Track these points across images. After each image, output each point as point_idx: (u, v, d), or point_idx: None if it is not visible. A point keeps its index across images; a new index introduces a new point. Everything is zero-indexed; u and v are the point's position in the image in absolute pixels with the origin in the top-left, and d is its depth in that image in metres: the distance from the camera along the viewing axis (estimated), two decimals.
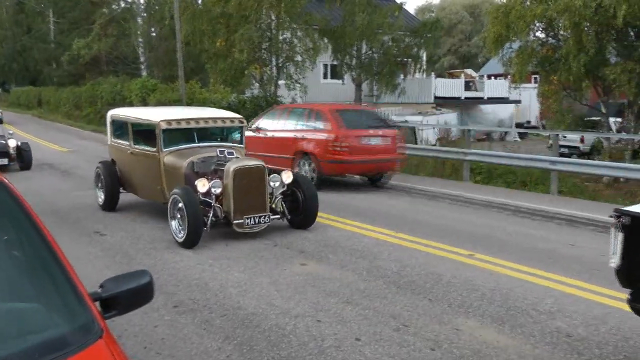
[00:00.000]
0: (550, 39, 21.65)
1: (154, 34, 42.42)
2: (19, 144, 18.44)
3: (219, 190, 9.26)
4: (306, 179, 10.89)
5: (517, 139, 33.70)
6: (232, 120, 11.30)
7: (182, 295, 6.96)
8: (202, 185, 9.16)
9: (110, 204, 11.79)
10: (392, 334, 5.87)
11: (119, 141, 11.91)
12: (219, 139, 11.40)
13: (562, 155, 20.36)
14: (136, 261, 8.31)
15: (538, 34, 21.81)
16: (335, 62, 31.17)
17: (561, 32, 20.84)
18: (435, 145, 24.21)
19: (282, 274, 7.76)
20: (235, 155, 10.01)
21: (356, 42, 28.77)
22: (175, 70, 31.78)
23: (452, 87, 38.44)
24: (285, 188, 10.03)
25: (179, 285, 7.31)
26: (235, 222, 9.24)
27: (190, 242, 8.94)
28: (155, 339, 5.73)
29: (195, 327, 6.03)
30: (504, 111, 39.69)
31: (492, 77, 41.62)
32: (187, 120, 10.69)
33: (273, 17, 27.74)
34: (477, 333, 5.91)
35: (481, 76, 44.72)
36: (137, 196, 11.92)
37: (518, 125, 38.13)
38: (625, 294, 6.80)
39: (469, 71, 49.63)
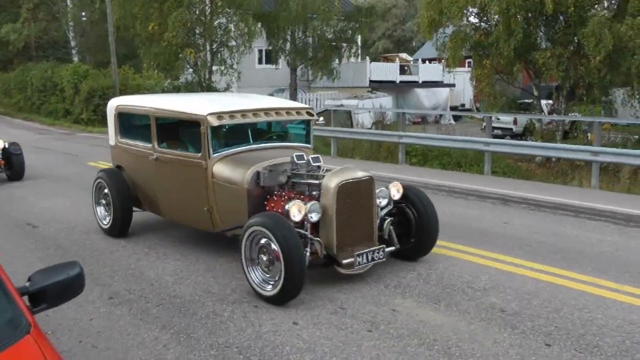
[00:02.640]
0: (482, 24, 22.03)
1: (84, 18, 41.36)
2: (6, 145, 13.98)
3: (317, 217, 6.59)
4: (420, 192, 7.76)
5: (452, 121, 34.19)
6: (298, 111, 8.27)
7: (117, 286, 6.87)
8: (297, 210, 6.45)
9: (122, 228, 8.86)
10: (330, 317, 5.93)
11: (133, 142, 8.90)
12: (275, 137, 8.76)
13: (495, 136, 20.81)
14: (71, 253, 8.15)
15: (471, 19, 22.15)
16: (270, 47, 31.03)
17: (493, 17, 21.21)
18: (370, 128, 24.40)
19: (218, 260, 7.72)
20: (321, 163, 7.40)
21: (290, 26, 28.72)
22: (107, 56, 31.14)
23: (387, 71, 38.71)
24: (391, 206, 7.45)
25: (114, 276, 7.21)
26: (344, 261, 6.49)
27: (285, 299, 6.25)
28: (90, 332, 5.64)
29: (132, 317, 5.97)
30: (438, 95, 40.21)
31: (427, 61, 42.07)
32: (244, 113, 7.61)
33: (207, 2, 27.44)
34: (413, 313, 6.00)
35: (416, 60, 45.14)
36: (161, 217, 9.00)
37: (452, 109, 38.73)
38: (556, 268, 7.06)
39: (404, 55, 50.01)
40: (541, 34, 21.08)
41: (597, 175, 13.94)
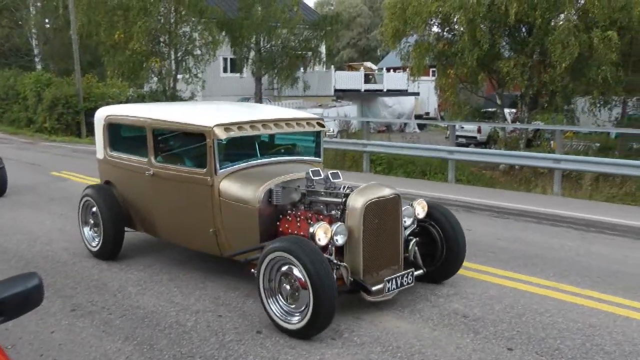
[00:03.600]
0: (446, 33, 22.30)
1: (48, 25, 40.90)
2: None
3: (343, 240, 6.01)
4: (445, 210, 7.18)
5: (417, 130, 34.46)
6: (309, 122, 7.59)
7: (80, 297, 6.77)
8: (323, 233, 5.83)
9: (113, 250, 8.12)
10: None
11: (125, 156, 8.14)
12: (283, 151, 8.01)
13: (460, 145, 21.03)
14: (32, 264, 8.01)
15: (434, 29, 22.41)
16: (234, 56, 31.03)
17: (456, 27, 21.51)
18: (335, 137, 24.49)
19: (182, 270, 7.67)
20: (340, 179, 6.67)
21: (254, 35, 28.77)
22: (71, 64, 30.84)
23: (352, 80, 38.99)
24: (415, 225, 6.85)
25: (77, 287, 7.11)
26: (374, 288, 5.94)
27: (313, 332, 5.64)
28: (52, 346, 5.55)
29: (94, 329, 5.89)
30: (403, 103, 40.49)
31: (391, 70, 42.45)
32: (253, 124, 6.94)
33: (172, 10, 27.38)
34: (377, 320, 6.02)
35: (380, 69, 45.50)
36: (158, 238, 8.30)
37: (417, 117, 39.04)
38: (519, 274, 7.16)
39: (368, 64, 50.39)
40: (505, 44, 21.42)
41: (559, 182, 14.16)
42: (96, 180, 9.65)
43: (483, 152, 17.14)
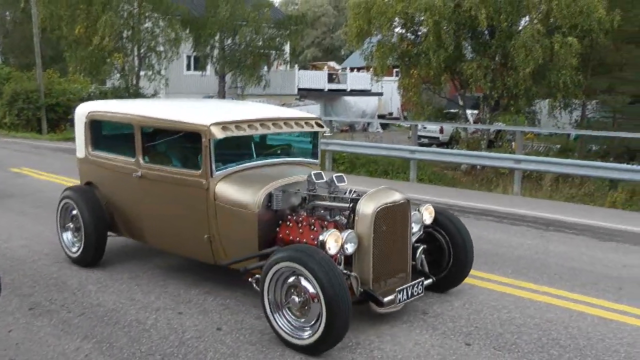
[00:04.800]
0: (409, 34, 22.41)
1: (8, 18, 40.23)
2: None
3: (353, 248, 5.69)
4: (452, 215, 6.92)
5: (380, 130, 34.61)
6: (307, 122, 7.21)
7: (38, 296, 6.67)
8: (334, 241, 5.52)
9: (95, 256, 7.62)
10: (254, 322, 5.93)
11: (109, 155, 7.64)
12: (279, 152, 7.64)
13: (422, 145, 21.19)
14: None
15: (398, 29, 22.51)
16: (198, 54, 30.87)
17: (421, 28, 21.66)
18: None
19: (142, 267, 7.61)
20: (345, 182, 6.36)
21: (219, 33, 28.63)
22: (32, 58, 30.36)
23: (316, 79, 39.05)
24: (421, 232, 6.58)
25: (35, 286, 7.00)
26: (385, 299, 5.63)
27: (327, 347, 5.29)
28: (9, 345, 5.46)
29: (52, 328, 5.81)
30: (366, 103, 40.65)
31: (355, 70, 42.52)
32: (251, 123, 6.57)
33: (135, 5, 27.13)
34: None
35: (344, 68, 45.59)
36: (146, 244, 7.69)
37: (380, 117, 39.21)
38: (478, 272, 7.23)
39: (332, 63, 50.49)
40: (468, 46, 21.63)
41: (519, 182, 14.38)
42: (62, 178, 9.45)
43: (445, 152, 17.30)
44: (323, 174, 6.37)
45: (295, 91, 36.99)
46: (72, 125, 27.92)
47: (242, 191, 6.25)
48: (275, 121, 6.80)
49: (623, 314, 6.34)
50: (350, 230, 5.67)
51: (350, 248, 5.63)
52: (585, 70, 20.70)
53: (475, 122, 23.19)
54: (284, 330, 5.41)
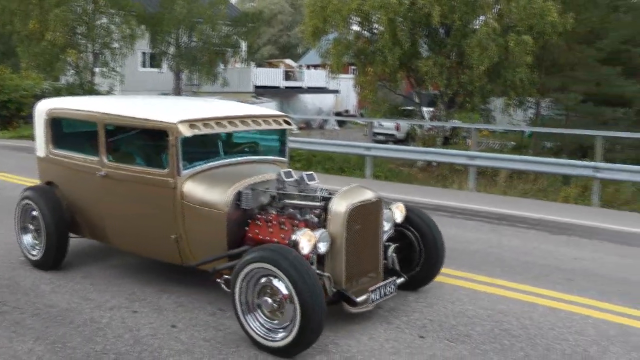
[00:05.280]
0: (365, 32, 22.54)
1: None
2: None
3: (325, 248, 5.61)
4: (422, 213, 6.85)
5: (336, 127, 34.71)
6: (275, 119, 7.10)
7: None
8: (307, 240, 5.44)
9: (57, 259, 7.34)
10: (208, 319, 5.92)
11: (71, 154, 7.35)
12: (246, 150, 7.56)
13: (379, 142, 21.31)
14: None
15: (354, 27, 22.62)
16: (154, 51, 30.62)
17: (376, 26, 21.79)
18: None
19: (96, 266, 7.53)
20: (316, 180, 6.31)
21: (175, 30, 28.45)
22: None
23: (272, 77, 39.02)
24: (392, 230, 6.51)
25: None
26: (359, 299, 5.58)
27: (302, 348, 5.18)
28: None
29: (4, 330, 5.70)
30: (323, 100, 40.75)
31: (312, 68, 42.57)
32: (219, 121, 6.42)
33: (90, 1, 26.80)
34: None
35: (300, 66, 45.61)
36: (109, 245, 7.40)
37: (337, 114, 39.34)
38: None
39: (289, 61, 50.44)
40: (423, 44, 21.84)
41: (474, 178, 14.57)
42: (17, 177, 9.23)
43: (400, 148, 17.44)
44: (293, 172, 6.29)
45: (252, 89, 36.90)
46: (26, 122, 27.61)
47: (210, 190, 6.09)
48: (243, 119, 6.66)
49: (572, 304, 6.50)
50: (323, 230, 5.59)
51: (323, 247, 5.54)
52: (539, 70, 21.10)
53: (431, 119, 23.43)
54: (256, 333, 5.29)
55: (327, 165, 17.40)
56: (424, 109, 23.99)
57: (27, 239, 7.65)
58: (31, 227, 7.59)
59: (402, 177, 17.20)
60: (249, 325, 5.33)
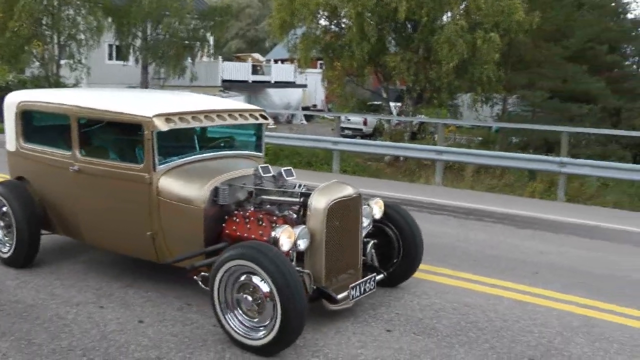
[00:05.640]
0: (333, 26, 22.55)
1: None
2: None
3: (305, 245, 5.54)
4: (401, 208, 6.83)
5: (304, 121, 34.72)
6: (251, 114, 6.96)
7: None
8: (287, 237, 5.37)
9: (28, 256, 7.15)
10: (175, 314, 5.90)
11: (43, 148, 7.18)
12: (222, 145, 7.33)
13: (346, 137, 21.35)
14: None
15: (322, 21, 22.62)
16: (120, 43, 30.33)
17: (344, 20, 21.82)
18: None
19: (63, 262, 7.44)
20: (294, 176, 6.24)
21: (142, 23, 28.23)
22: None
23: (240, 71, 38.90)
24: (371, 226, 6.44)
25: None
26: (339, 296, 5.54)
27: (282, 346, 5.15)
28: None
29: None
30: (291, 95, 40.73)
31: (279, 62, 42.49)
32: (195, 115, 6.28)
33: None
34: None
35: (268, 60, 45.49)
36: (82, 242, 7.26)
37: (304, 109, 39.35)
38: None
39: (256, 55, 50.32)
40: (391, 39, 21.91)
41: (441, 173, 14.70)
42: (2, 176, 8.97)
43: (368, 143, 17.52)
44: (270, 167, 6.18)
45: (219, 83, 36.74)
46: None
47: (186, 186, 5.98)
48: (219, 113, 6.52)
49: (537, 297, 6.61)
50: (302, 226, 5.50)
51: (302, 244, 5.46)
52: (505, 66, 21.31)
53: (398, 114, 23.54)
54: (236, 331, 5.21)
55: (294, 159, 17.38)
56: (392, 104, 24.09)
57: None
58: (1, 223, 7.35)
59: (370, 171, 17.27)
60: (229, 324, 5.25)
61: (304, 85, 39.77)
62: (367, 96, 26.39)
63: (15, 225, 7.03)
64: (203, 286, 5.58)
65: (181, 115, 6.11)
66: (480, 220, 10.40)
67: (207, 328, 5.54)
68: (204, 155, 6.71)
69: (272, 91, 39.92)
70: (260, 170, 6.06)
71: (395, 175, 16.88)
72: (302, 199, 5.79)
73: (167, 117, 5.97)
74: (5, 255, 7.27)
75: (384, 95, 23.56)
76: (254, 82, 39.36)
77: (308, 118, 36.03)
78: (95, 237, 6.89)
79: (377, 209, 6.41)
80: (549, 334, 5.65)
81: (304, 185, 6.08)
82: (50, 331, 5.51)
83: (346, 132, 25.03)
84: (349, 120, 26.32)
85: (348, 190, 5.85)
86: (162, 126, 5.86)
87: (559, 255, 8.42)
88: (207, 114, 6.38)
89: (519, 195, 13.74)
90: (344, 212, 5.74)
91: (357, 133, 26.44)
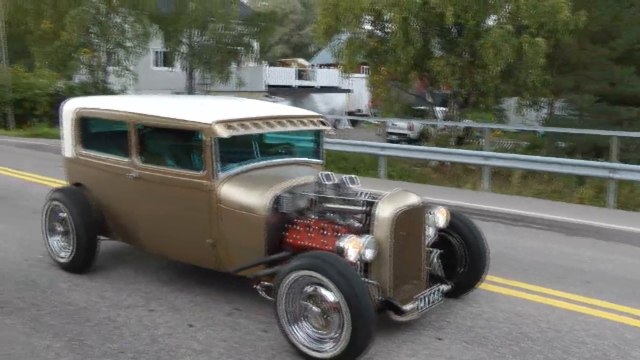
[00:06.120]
0: (378, 31, 22.49)
1: None
2: None
3: (371, 255, 5.37)
4: (465, 217, 6.64)
5: (349, 126, 34.68)
6: (311, 120, 6.87)
7: (8, 294, 6.57)
8: (353, 246, 5.22)
9: (86, 261, 7.19)
10: (225, 319, 5.92)
11: (101, 155, 7.20)
12: (282, 151, 7.32)
13: (392, 142, 21.28)
14: None
15: (367, 26, 22.58)
16: (166, 49, 30.72)
17: (389, 25, 21.74)
18: None
19: (114, 265, 7.53)
20: (359, 184, 6.09)
21: (188, 29, 28.57)
22: None
23: (285, 76, 39.07)
24: (435, 235, 6.26)
25: (5, 284, 6.89)
26: (406, 307, 5.40)
27: None
28: None
29: (23, 326, 5.73)
30: (335, 100, 40.77)
31: (324, 67, 42.55)
32: (255, 121, 6.24)
33: (103, 0, 26.95)
34: None
35: (313, 65, 45.60)
36: (140, 249, 7.31)
37: (349, 114, 39.34)
38: None
39: (301, 60, 50.45)
40: (436, 43, 21.77)
41: (488, 178, 14.54)
42: (30, 175, 9.23)
43: (414, 148, 17.42)
44: (332, 175, 6.08)
45: (264, 88, 36.94)
46: (41, 121, 27.74)
47: (248, 193, 5.90)
48: (279, 119, 6.46)
49: (590, 307, 6.46)
50: (369, 236, 5.36)
51: (369, 254, 5.31)
52: (551, 69, 20.98)
53: (444, 119, 23.38)
54: (302, 343, 5.09)
55: (340, 164, 17.38)
56: (437, 108, 23.93)
57: (55, 241, 7.50)
58: (59, 229, 7.42)
59: (416, 176, 17.17)
60: (294, 336, 5.14)
61: (349, 90, 39.74)
62: (412, 101, 26.26)
63: (73, 231, 7.07)
64: (266, 296, 5.51)
65: (242, 122, 6.06)
66: (529, 227, 10.26)
67: (257, 334, 5.55)
68: (264, 162, 6.65)
69: (316, 96, 39.99)
70: (323, 178, 5.98)
71: (441, 181, 16.76)
72: (366, 208, 5.66)
73: (228, 123, 5.93)
74: (64, 261, 7.30)
75: (429, 99, 23.42)
76: (298, 87, 39.51)
77: (353, 123, 36.00)
78: (154, 244, 6.89)
79: (441, 218, 6.25)
80: (603, 346, 5.52)
81: (368, 193, 5.88)
82: (102, 333, 5.58)
83: (392, 137, 24.92)
84: (394, 125, 26.22)
85: (413, 199, 5.75)
86: (223, 133, 5.82)
87: (611, 263, 8.24)
88: (267, 120, 6.32)
89: (567, 201, 13.52)
90: (410, 221, 5.62)
91: (402, 138, 26.34)
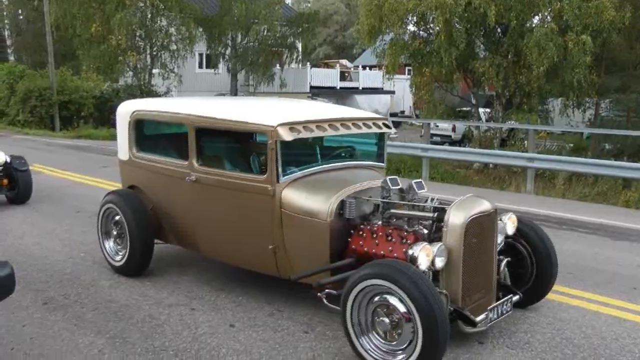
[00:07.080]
0: (421, 32, 22.37)
1: (21, 16, 40.46)
2: (8, 159, 11.18)
3: (442, 263, 5.16)
4: (534, 224, 6.33)
5: (392, 128, 34.52)
6: (374, 122, 6.63)
7: (52, 291, 6.70)
8: (425, 255, 5.02)
9: (141, 265, 7.11)
10: (267, 319, 5.93)
11: (157, 158, 7.13)
12: (344, 155, 6.95)
13: (435, 143, 21.14)
14: (3, 258, 7.89)
15: (410, 27, 22.47)
16: (210, 52, 30.98)
17: (432, 26, 21.61)
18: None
19: (155, 263, 7.55)
20: (425, 189, 5.94)
21: (232, 31, 28.76)
22: (45, 56, 30.57)
23: (328, 77, 39.04)
24: (503, 243, 5.99)
25: (49, 281, 7.03)
26: (478, 319, 5.21)
27: None
28: (23, 339, 5.48)
29: (66, 323, 5.83)
30: (378, 101, 40.64)
31: (367, 68, 42.46)
32: (319, 124, 6.01)
33: (148, 4, 27.29)
34: None
35: (356, 67, 45.52)
36: (199, 253, 7.15)
37: (392, 115, 39.17)
38: None
39: (344, 61, 50.41)
40: (480, 44, 21.56)
41: (532, 180, 14.34)
42: (76, 175, 9.34)
43: (457, 150, 17.31)
44: (398, 179, 5.88)
45: (308, 89, 37.00)
46: (86, 122, 28.18)
47: (311, 198, 5.71)
48: (343, 121, 6.22)
49: (637, 314, 6.31)
50: (440, 244, 5.14)
51: (439, 263, 5.10)
52: (598, 69, 20.60)
53: (487, 120, 23.16)
54: (372, 356, 4.92)
55: None
56: (481, 109, 23.71)
57: (110, 244, 7.45)
58: (114, 232, 7.37)
59: (459, 178, 17.01)
60: (363, 348, 4.96)
61: (392, 92, 39.57)
62: (455, 102, 26.06)
63: (128, 235, 6.99)
64: (329, 305, 5.35)
65: (305, 124, 5.87)
66: (574, 231, 10.09)
67: (298, 335, 5.56)
68: (327, 165, 6.44)
69: (359, 97, 39.91)
70: (389, 183, 5.76)
71: (485, 183, 16.58)
72: (435, 214, 5.47)
73: (292, 126, 5.74)
74: (118, 264, 7.24)
75: (473, 101, 23.21)
76: (341, 88, 39.47)
77: (396, 124, 35.86)
78: (212, 249, 6.77)
79: (510, 225, 6.00)
80: None
81: (437, 199, 5.72)
82: (144, 331, 5.64)
83: (435, 138, 24.76)
84: (437, 126, 26.04)
85: (485, 205, 5.52)
86: (287, 135, 5.64)
87: None
88: (331, 122, 6.12)
89: (612, 204, 13.26)
90: (481, 228, 5.40)
91: (445, 139, 26.17)
